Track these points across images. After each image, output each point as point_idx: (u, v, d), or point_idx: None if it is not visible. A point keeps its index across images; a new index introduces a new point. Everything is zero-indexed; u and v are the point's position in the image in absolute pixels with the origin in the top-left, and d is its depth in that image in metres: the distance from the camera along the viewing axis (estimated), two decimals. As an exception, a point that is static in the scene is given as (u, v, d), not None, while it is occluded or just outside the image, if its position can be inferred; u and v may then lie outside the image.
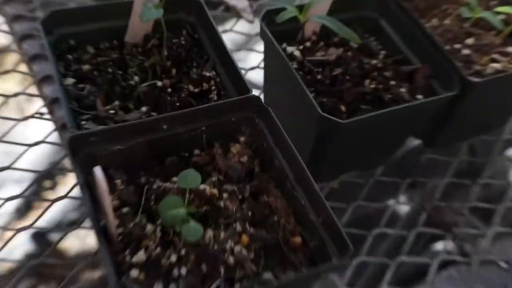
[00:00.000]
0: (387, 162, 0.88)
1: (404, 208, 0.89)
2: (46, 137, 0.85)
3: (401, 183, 0.88)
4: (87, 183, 0.60)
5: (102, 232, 0.56)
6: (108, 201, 0.55)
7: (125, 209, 0.60)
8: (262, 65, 0.95)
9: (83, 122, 0.68)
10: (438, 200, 0.88)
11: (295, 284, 0.56)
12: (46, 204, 0.78)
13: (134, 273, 0.55)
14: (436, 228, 0.85)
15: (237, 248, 0.57)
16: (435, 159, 0.91)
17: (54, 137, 0.86)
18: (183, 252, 0.56)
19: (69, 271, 0.73)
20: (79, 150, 0.61)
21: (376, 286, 0.78)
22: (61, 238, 0.75)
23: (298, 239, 0.59)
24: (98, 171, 0.53)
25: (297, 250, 0.59)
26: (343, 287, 0.75)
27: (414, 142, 0.93)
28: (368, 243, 0.78)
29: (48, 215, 0.78)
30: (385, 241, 0.88)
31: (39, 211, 0.77)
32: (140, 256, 0.56)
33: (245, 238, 0.58)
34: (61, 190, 0.78)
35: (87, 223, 0.77)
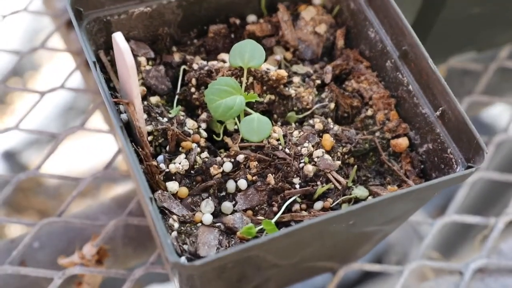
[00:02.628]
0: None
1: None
2: (28, 4, 0.83)
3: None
4: (99, 61, 0.60)
5: (125, 129, 0.55)
6: (135, 81, 0.53)
7: (154, 99, 0.60)
8: None
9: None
10: None
11: (399, 204, 0.55)
12: (32, 98, 0.78)
13: (173, 186, 0.55)
14: None
15: (317, 153, 0.56)
16: None
17: (38, 4, 0.85)
18: (241, 157, 0.56)
19: (53, 201, 0.73)
20: (85, 13, 0.59)
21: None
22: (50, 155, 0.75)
23: (403, 141, 0.59)
24: (119, 38, 0.51)
25: (402, 156, 0.59)
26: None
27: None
28: (490, 154, 0.78)
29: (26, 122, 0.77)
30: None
31: (19, 109, 0.76)
32: (180, 162, 0.56)
33: (327, 139, 0.57)
34: (52, 80, 0.77)
35: (91, 123, 0.77)
